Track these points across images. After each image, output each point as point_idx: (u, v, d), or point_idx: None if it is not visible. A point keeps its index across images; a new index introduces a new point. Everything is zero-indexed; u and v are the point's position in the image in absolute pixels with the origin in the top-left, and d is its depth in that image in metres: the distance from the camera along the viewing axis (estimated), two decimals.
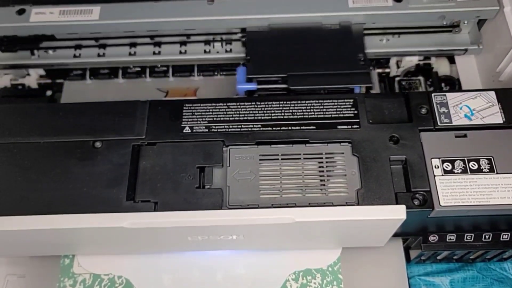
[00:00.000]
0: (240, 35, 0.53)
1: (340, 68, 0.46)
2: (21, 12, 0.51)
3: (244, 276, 0.43)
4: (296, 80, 0.45)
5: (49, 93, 0.56)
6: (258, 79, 0.46)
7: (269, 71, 0.46)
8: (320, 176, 0.39)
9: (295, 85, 0.45)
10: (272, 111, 0.42)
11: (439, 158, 0.39)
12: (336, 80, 0.45)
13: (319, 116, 0.42)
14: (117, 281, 0.43)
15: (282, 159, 0.40)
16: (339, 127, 0.41)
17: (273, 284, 0.42)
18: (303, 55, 0.47)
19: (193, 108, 0.43)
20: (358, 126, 0.41)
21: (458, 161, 0.39)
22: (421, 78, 0.55)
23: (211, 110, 0.42)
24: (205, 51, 0.54)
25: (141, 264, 0.43)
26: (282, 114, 0.42)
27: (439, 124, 0.41)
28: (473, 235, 0.42)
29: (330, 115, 0.42)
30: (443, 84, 0.54)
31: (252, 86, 0.46)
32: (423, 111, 0.42)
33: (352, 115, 0.42)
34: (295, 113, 0.42)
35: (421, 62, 0.55)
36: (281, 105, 0.42)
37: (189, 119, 0.42)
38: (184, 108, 0.43)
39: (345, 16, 0.50)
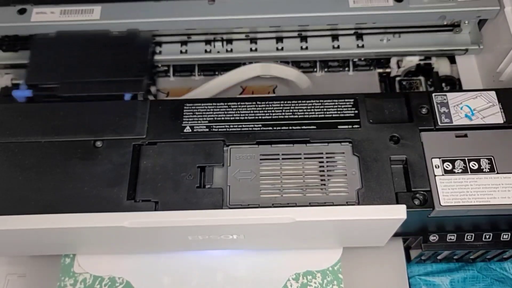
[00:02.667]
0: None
1: (117, 75, 0.46)
2: (22, 11, 0.51)
3: (244, 277, 0.43)
4: (68, 87, 0.46)
5: None
6: (37, 85, 0.46)
7: (44, 78, 0.47)
8: (321, 175, 0.39)
9: (66, 93, 0.45)
10: (273, 111, 0.42)
11: (439, 158, 0.39)
12: (107, 87, 0.46)
13: (319, 116, 0.42)
14: (118, 281, 0.43)
15: (282, 158, 0.40)
16: (339, 127, 0.41)
17: (273, 286, 0.42)
18: (85, 62, 0.48)
19: (193, 107, 0.43)
20: (358, 126, 0.41)
21: (458, 161, 0.39)
22: (421, 78, 0.55)
23: (211, 109, 0.42)
24: (205, 51, 0.54)
25: (141, 265, 0.43)
26: (283, 113, 0.42)
27: (439, 124, 0.41)
28: (473, 235, 0.42)
29: (330, 115, 0.42)
30: (443, 84, 0.54)
31: (26, 93, 0.46)
32: (424, 111, 0.42)
33: (353, 115, 0.42)
34: (295, 113, 0.42)
35: (422, 62, 0.55)
36: (281, 105, 0.42)
37: (190, 119, 0.42)
38: (185, 107, 0.43)
39: (341, 16, 0.50)
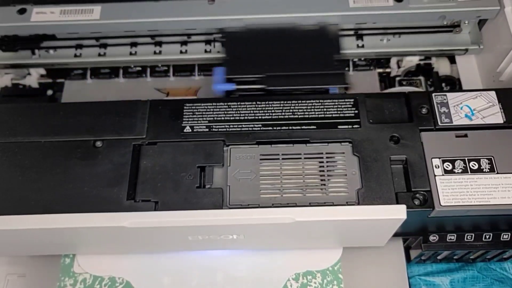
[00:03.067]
0: (218, 35, 0.53)
1: (316, 69, 0.46)
2: (22, 11, 0.51)
3: (244, 277, 0.43)
4: (273, 80, 0.45)
5: (49, 92, 0.56)
6: (237, 79, 0.46)
7: (247, 71, 0.46)
8: (321, 175, 0.39)
9: (272, 86, 0.45)
10: (273, 111, 0.42)
11: (439, 158, 0.39)
12: (312, 81, 0.45)
13: (319, 115, 0.42)
14: (118, 281, 0.43)
15: (282, 158, 0.40)
16: (339, 127, 0.41)
17: (273, 286, 0.42)
18: (280, 56, 0.48)
19: (193, 107, 0.43)
20: (358, 126, 0.41)
21: (458, 161, 0.39)
22: (421, 78, 0.55)
23: (211, 109, 0.42)
24: (205, 51, 0.54)
25: (141, 265, 0.43)
26: (283, 113, 0.42)
27: (439, 124, 0.41)
28: (473, 235, 0.42)
29: (330, 115, 0.42)
30: (443, 84, 0.54)
31: (230, 86, 0.45)
32: (424, 111, 0.42)
33: (353, 115, 0.42)
34: (295, 113, 0.42)
35: (422, 62, 0.55)
36: (281, 105, 0.42)
37: (190, 119, 0.42)
38: (185, 107, 0.43)
39: (341, 16, 0.50)
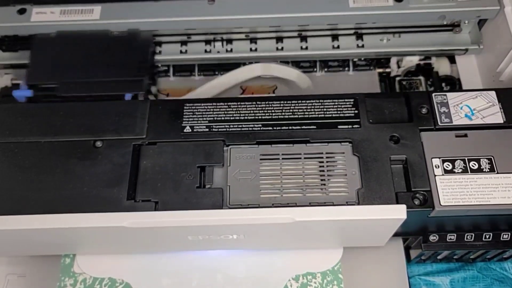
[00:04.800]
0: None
1: (117, 75, 0.47)
2: (22, 11, 0.51)
3: (244, 278, 0.43)
4: (67, 88, 0.46)
5: None
6: (37, 85, 0.46)
7: (44, 78, 0.47)
8: (321, 175, 0.39)
9: (65, 93, 0.45)
10: (273, 111, 0.42)
11: (439, 158, 0.39)
12: (107, 87, 0.46)
13: (319, 115, 0.42)
14: (118, 281, 0.43)
15: (282, 158, 0.40)
16: (339, 126, 0.41)
17: (273, 287, 0.42)
18: (85, 62, 0.48)
19: (193, 107, 0.43)
20: (358, 126, 0.41)
21: (458, 160, 0.39)
22: (421, 77, 0.55)
23: (211, 109, 0.42)
24: (205, 51, 0.54)
25: (141, 266, 0.43)
26: (283, 113, 0.42)
27: (439, 123, 0.41)
28: (473, 235, 0.42)
29: (330, 115, 0.42)
30: (443, 84, 0.54)
31: (27, 92, 0.46)
32: (424, 110, 0.42)
33: (353, 114, 0.42)
34: (295, 113, 0.42)
35: (422, 62, 0.55)
36: (281, 105, 0.42)
37: (190, 119, 0.42)
38: (185, 107, 0.43)
39: (341, 16, 0.50)
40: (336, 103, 0.42)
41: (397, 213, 0.36)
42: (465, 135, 0.40)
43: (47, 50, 0.49)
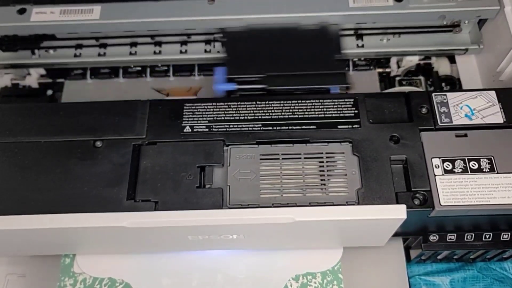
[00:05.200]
0: (218, 35, 0.53)
1: (316, 68, 0.46)
2: (21, 11, 0.51)
3: (244, 278, 0.43)
4: (274, 80, 0.45)
5: (49, 92, 0.56)
6: (238, 79, 0.46)
7: (248, 71, 0.46)
8: (321, 175, 0.39)
9: (272, 86, 0.45)
10: (273, 111, 0.42)
11: (439, 158, 0.39)
12: (312, 81, 0.45)
13: (319, 115, 0.42)
14: (118, 281, 0.43)
15: (282, 158, 0.40)
16: (339, 126, 0.41)
17: (273, 287, 0.42)
18: (281, 56, 0.48)
19: (193, 107, 0.43)
20: (358, 126, 0.41)
21: (458, 160, 0.39)
22: (421, 77, 0.55)
23: (211, 109, 0.42)
24: (205, 51, 0.54)
25: (141, 266, 0.43)
26: (283, 113, 0.42)
27: (439, 123, 0.41)
28: (473, 234, 0.42)
29: (330, 115, 0.42)
30: (443, 84, 0.54)
31: (231, 86, 0.45)
32: (424, 110, 0.42)
33: (353, 114, 0.42)
34: (295, 113, 0.42)
35: (422, 62, 0.55)
36: (281, 105, 0.42)
37: (190, 119, 0.42)
38: (185, 107, 0.43)
39: (341, 16, 0.50)
40: (336, 103, 0.42)
41: (397, 213, 0.36)
42: (465, 135, 0.40)
43: (241, 44, 0.49)
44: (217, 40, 0.54)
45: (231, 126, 0.41)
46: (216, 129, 0.41)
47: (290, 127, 0.41)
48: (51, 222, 0.36)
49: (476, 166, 0.39)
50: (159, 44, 0.54)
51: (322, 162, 0.40)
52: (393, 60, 0.55)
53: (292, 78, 0.45)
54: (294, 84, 0.45)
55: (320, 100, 0.43)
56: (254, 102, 0.43)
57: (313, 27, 0.50)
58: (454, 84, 0.54)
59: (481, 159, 0.39)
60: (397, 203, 0.38)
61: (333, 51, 0.48)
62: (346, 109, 0.42)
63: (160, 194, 0.39)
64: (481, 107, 0.42)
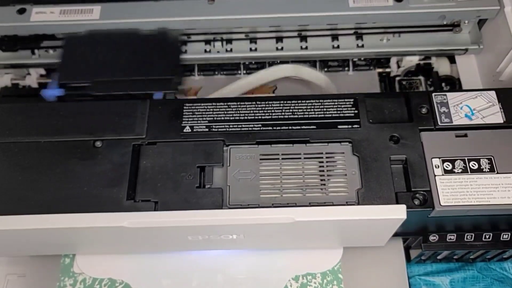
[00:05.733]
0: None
1: (148, 74, 0.46)
2: (21, 11, 0.51)
3: (244, 279, 0.43)
4: (99, 86, 0.45)
5: None
6: (68, 84, 0.46)
7: (77, 77, 0.46)
8: (321, 175, 0.39)
9: (97, 92, 0.45)
10: (273, 111, 0.42)
11: (439, 158, 0.39)
12: (138, 86, 0.45)
13: (319, 115, 0.42)
14: (118, 281, 0.43)
15: (282, 158, 0.40)
16: (339, 126, 0.41)
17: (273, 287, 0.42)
18: (116, 61, 0.48)
19: (193, 107, 0.43)
20: (358, 126, 0.41)
21: (458, 160, 0.39)
22: (421, 77, 0.55)
23: (211, 109, 0.42)
24: (205, 51, 0.54)
25: (140, 267, 0.43)
26: (283, 113, 0.42)
27: (439, 123, 0.41)
28: (473, 235, 0.42)
29: (330, 115, 0.42)
30: (443, 84, 0.54)
31: (58, 92, 0.46)
32: (424, 110, 0.42)
33: (353, 114, 0.42)
34: (295, 113, 0.42)
35: (422, 62, 0.55)
36: (281, 105, 0.42)
37: (190, 119, 0.42)
38: (185, 107, 0.43)
39: (341, 16, 0.50)
40: (336, 103, 0.42)
41: (397, 213, 0.36)
42: (465, 135, 0.40)
43: (77, 49, 0.49)
44: (217, 40, 0.54)
45: (231, 126, 0.41)
46: (216, 129, 0.41)
47: (290, 127, 0.41)
48: (51, 222, 0.36)
49: (476, 166, 0.39)
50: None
51: (322, 162, 0.40)
52: (393, 60, 0.55)
53: (117, 83, 0.46)
54: (118, 89, 0.45)
55: (320, 100, 0.43)
56: (254, 102, 0.43)
57: (154, 32, 0.50)
58: (454, 84, 0.54)
59: (481, 159, 0.39)
60: (397, 203, 0.38)
61: (171, 56, 0.48)
62: (346, 109, 0.42)
63: (160, 194, 0.39)
64: (481, 107, 0.42)
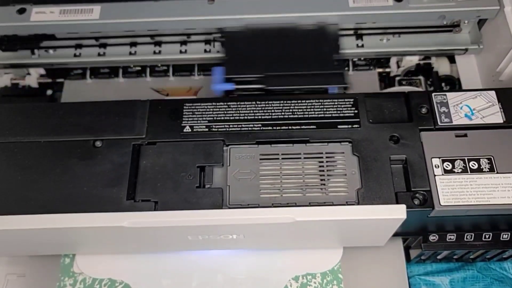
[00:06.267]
0: (218, 35, 0.53)
1: (315, 68, 0.46)
2: (21, 11, 0.51)
3: (244, 279, 0.43)
4: (272, 80, 0.45)
5: (49, 92, 0.56)
6: (236, 79, 0.46)
7: (246, 71, 0.46)
8: (320, 175, 0.39)
9: (271, 85, 0.45)
10: (273, 111, 0.42)
11: (439, 158, 0.39)
12: (311, 81, 0.45)
13: (319, 115, 0.42)
14: (117, 281, 0.43)
15: (282, 158, 0.40)
16: (339, 126, 0.41)
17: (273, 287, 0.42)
18: (279, 55, 0.48)
19: (193, 107, 0.43)
20: (358, 126, 0.41)
21: (458, 160, 0.39)
22: (421, 77, 0.55)
23: (211, 109, 0.42)
24: (205, 51, 0.54)
25: (140, 267, 0.43)
26: (282, 113, 0.42)
27: (439, 123, 0.41)
28: (473, 234, 0.42)
29: (330, 115, 0.42)
30: (443, 84, 0.54)
31: (229, 86, 0.45)
32: (424, 110, 0.42)
33: (353, 114, 0.42)
34: (295, 113, 0.42)
35: (422, 62, 0.55)
36: (281, 105, 0.42)
37: (190, 119, 0.42)
38: (184, 107, 0.43)
39: (341, 16, 0.50)
40: (336, 103, 0.42)
41: (397, 213, 0.36)
42: (465, 135, 0.40)
43: (238, 45, 0.49)
44: (217, 40, 0.54)
45: (231, 126, 0.41)
46: (216, 129, 0.41)
47: (290, 127, 0.41)
48: (51, 222, 0.36)
49: (476, 166, 0.39)
50: (159, 44, 0.54)
51: (322, 162, 0.40)
52: (393, 60, 0.55)
53: (290, 77, 0.45)
54: (292, 83, 0.45)
55: (320, 100, 0.43)
56: (254, 102, 0.43)
57: (312, 27, 0.50)
58: (454, 84, 0.54)
59: (481, 159, 0.39)
60: (397, 203, 0.38)
61: (332, 51, 0.48)
62: (346, 109, 0.42)
63: (160, 194, 0.39)
64: (481, 107, 0.42)
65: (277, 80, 0.45)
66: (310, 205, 0.38)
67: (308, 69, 0.46)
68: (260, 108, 0.42)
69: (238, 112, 0.42)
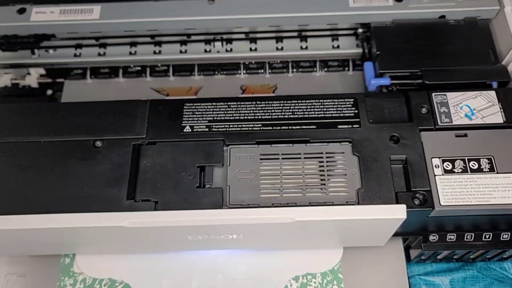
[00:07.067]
0: (361, 30, 0.53)
1: (471, 63, 0.46)
2: (21, 11, 0.51)
3: (245, 279, 0.43)
4: (431, 75, 0.45)
5: (49, 92, 0.56)
6: (391, 74, 0.46)
7: (400, 66, 0.46)
8: (321, 175, 0.39)
9: (432, 80, 0.44)
10: (273, 111, 0.42)
11: (439, 158, 0.39)
12: (472, 76, 0.45)
13: (319, 115, 0.42)
14: (117, 281, 0.43)
15: (282, 158, 0.40)
16: (339, 126, 0.41)
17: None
18: (432, 51, 0.47)
19: (193, 107, 0.43)
20: (358, 126, 0.41)
21: (458, 160, 0.39)
22: None
23: (211, 109, 0.42)
24: (205, 51, 0.54)
25: (140, 267, 0.43)
26: (283, 113, 0.42)
27: (439, 123, 0.41)
28: (473, 234, 0.42)
29: (330, 115, 0.42)
30: None
31: (385, 81, 0.45)
32: (424, 110, 0.42)
33: (353, 114, 0.42)
34: (295, 113, 0.42)
35: None
36: (281, 105, 0.42)
37: (190, 119, 0.42)
38: (185, 107, 0.43)
39: (341, 16, 0.50)
40: (336, 103, 0.43)
41: (397, 213, 0.36)
42: (465, 135, 0.40)
43: (388, 40, 0.49)
44: (217, 40, 0.54)
45: (231, 126, 0.41)
46: (216, 129, 0.41)
47: (290, 127, 0.41)
48: (51, 222, 0.36)
49: (476, 166, 0.39)
50: (159, 44, 0.54)
51: (322, 162, 0.40)
52: None
53: (449, 72, 0.45)
54: (452, 78, 0.44)
55: (320, 100, 0.43)
56: (254, 102, 0.43)
57: (460, 21, 0.49)
58: None
59: (481, 159, 0.39)
60: (397, 203, 0.38)
61: (485, 45, 0.48)
62: (346, 109, 0.42)
63: (160, 194, 0.39)
64: (481, 107, 0.42)
65: (436, 75, 0.45)
66: (310, 205, 0.38)
67: (464, 64, 0.46)
68: (260, 108, 0.42)
69: (238, 112, 0.42)
